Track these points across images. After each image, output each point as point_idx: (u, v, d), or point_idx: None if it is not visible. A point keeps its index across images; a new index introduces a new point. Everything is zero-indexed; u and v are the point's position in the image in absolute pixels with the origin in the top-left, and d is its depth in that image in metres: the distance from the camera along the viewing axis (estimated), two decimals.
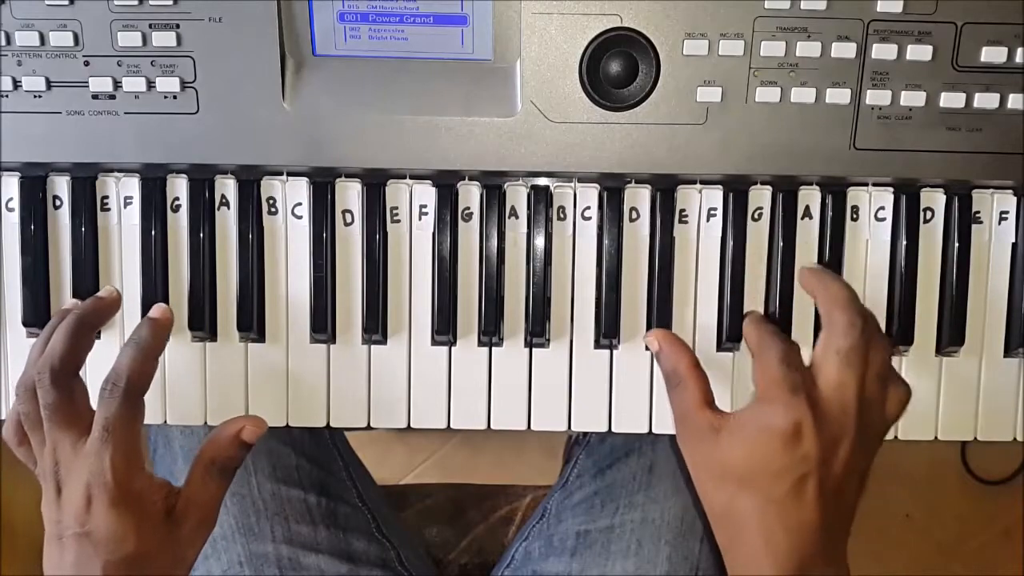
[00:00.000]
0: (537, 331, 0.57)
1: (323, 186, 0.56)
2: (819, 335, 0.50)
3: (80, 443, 0.49)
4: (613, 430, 0.58)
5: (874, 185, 0.57)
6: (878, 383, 0.50)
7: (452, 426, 0.58)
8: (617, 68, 0.53)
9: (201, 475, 0.51)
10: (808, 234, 0.57)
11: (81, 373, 0.51)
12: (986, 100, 0.53)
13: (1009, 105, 0.54)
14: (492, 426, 0.58)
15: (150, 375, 0.51)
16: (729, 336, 0.57)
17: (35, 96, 0.53)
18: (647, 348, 0.57)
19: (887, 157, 0.55)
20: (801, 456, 0.47)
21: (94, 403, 0.50)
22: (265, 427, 0.52)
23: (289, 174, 0.56)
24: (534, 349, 0.57)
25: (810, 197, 0.57)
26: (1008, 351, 0.58)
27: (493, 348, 0.57)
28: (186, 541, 0.51)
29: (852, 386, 0.48)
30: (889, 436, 0.53)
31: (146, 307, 0.55)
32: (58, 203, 0.57)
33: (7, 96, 0.53)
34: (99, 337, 0.57)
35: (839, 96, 0.53)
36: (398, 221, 0.57)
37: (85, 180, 0.56)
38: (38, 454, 0.50)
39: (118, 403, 0.49)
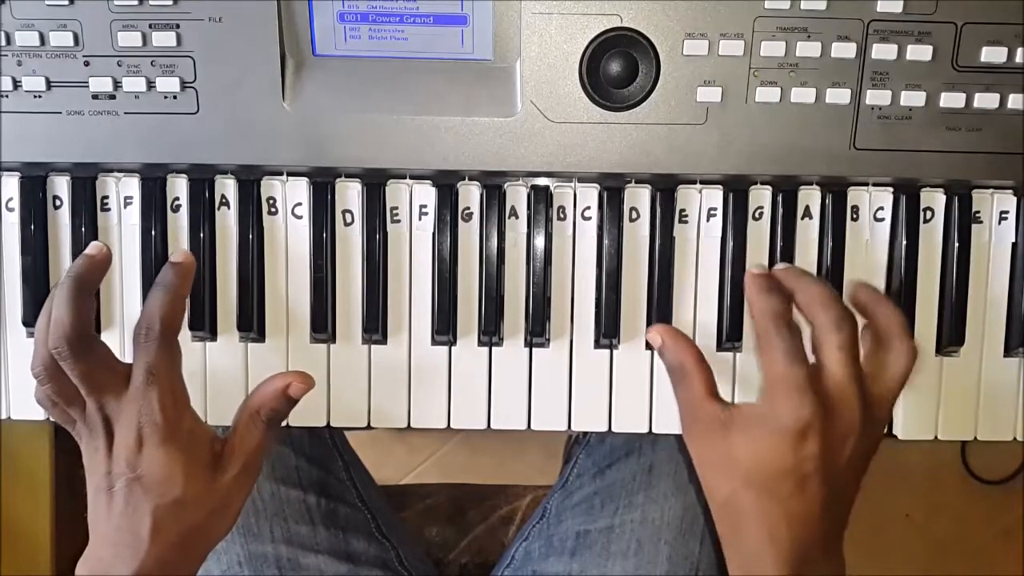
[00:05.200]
0: (537, 331, 0.57)
1: (323, 186, 0.56)
2: (812, 333, 0.50)
3: (124, 394, 0.49)
4: (613, 430, 0.58)
5: (874, 185, 0.57)
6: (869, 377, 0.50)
7: (452, 426, 0.58)
8: (617, 68, 0.53)
9: (246, 423, 0.52)
10: (808, 234, 0.57)
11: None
12: (986, 100, 0.53)
13: (1009, 105, 0.54)
14: (492, 426, 0.58)
15: (181, 316, 0.51)
16: (729, 335, 0.57)
17: (35, 96, 0.53)
18: (647, 344, 0.57)
19: (887, 157, 0.54)
20: (807, 455, 0.47)
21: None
22: (312, 384, 0.53)
23: (289, 174, 0.56)
24: (534, 349, 0.57)
25: (810, 197, 0.57)
26: (1008, 351, 0.58)
27: (493, 348, 0.57)
28: (231, 488, 0.51)
29: (856, 383, 0.48)
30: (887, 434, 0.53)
31: None
32: (58, 203, 0.57)
33: (7, 96, 0.53)
34: (98, 298, 0.56)
35: (839, 96, 0.53)
36: (398, 221, 0.57)
37: (85, 180, 0.56)
38: (81, 419, 0.50)
39: (156, 346, 0.49)
